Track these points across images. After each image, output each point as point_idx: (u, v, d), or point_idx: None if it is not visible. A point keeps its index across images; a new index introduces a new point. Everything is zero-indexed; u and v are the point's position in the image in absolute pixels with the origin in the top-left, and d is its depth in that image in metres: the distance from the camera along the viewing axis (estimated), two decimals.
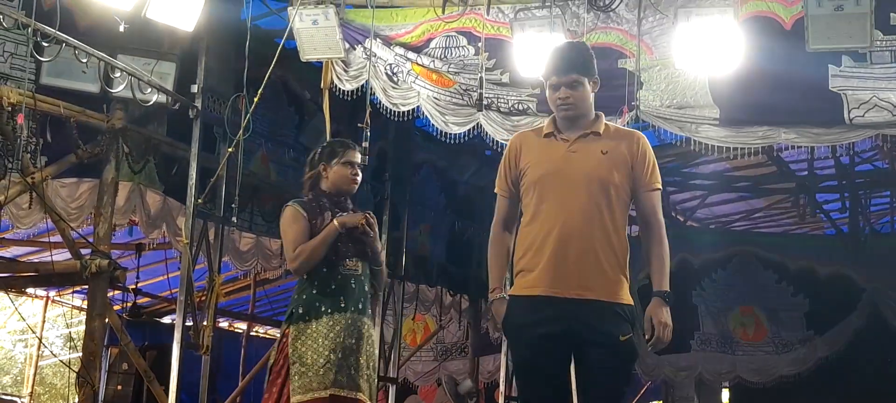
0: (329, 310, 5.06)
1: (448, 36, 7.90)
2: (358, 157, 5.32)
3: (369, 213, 5.22)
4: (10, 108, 7.26)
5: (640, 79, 7.20)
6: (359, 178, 5.29)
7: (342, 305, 5.08)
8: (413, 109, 8.14)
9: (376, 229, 5.25)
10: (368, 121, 7.42)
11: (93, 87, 7.85)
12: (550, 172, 4.38)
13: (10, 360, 20.21)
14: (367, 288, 5.20)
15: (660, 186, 4.43)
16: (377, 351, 5.35)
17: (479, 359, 13.68)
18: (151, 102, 7.99)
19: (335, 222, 5.07)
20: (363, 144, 6.67)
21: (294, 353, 5.02)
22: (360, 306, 5.13)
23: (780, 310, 13.65)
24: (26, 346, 19.12)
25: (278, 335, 5.24)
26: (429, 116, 8.07)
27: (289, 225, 5.15)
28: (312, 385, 4.97)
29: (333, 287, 5.09)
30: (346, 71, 8.19)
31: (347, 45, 8.00)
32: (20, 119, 7.18)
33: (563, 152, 4.38)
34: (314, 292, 5.08)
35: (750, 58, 6.84)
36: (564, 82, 4.38)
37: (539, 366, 4.35)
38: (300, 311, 5.09)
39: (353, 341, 5.09)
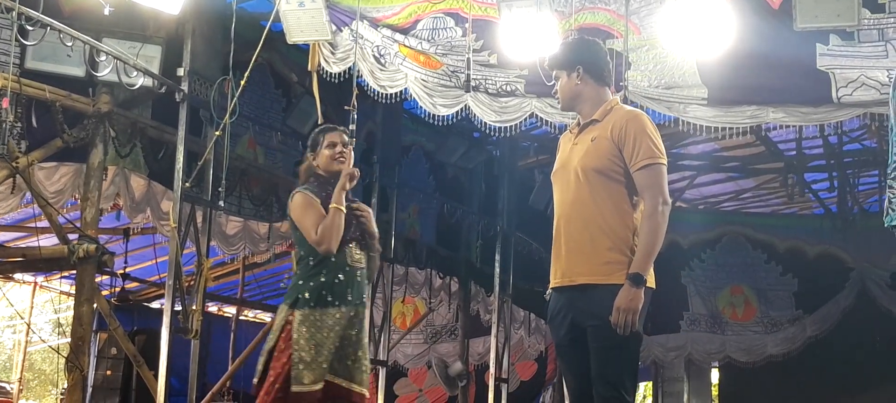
0: (337, 303, 5.07)
1: (435, 17, 7.87)
2: (341, 137, 5.31)
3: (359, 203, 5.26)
4: None
5: (628, 59, 7.18)
6: (345, 156, 5.26)
7: (349, 298, 5.11)
8: (401, 91, 8.12)
9: (370, 216, 5.23)
10: (355, 103, 7.39)
11: (78, 71, 7.79)
12: (557, 169, 4.66)
13: None
14: (367, 281, 5.26)
15: (648, 163, 4.42)
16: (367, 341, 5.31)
17: (469, 341, 13.68)
18: (137, 86, 7.94)
19: (332, 205, 5.10)
20: (350, 127, 6.64)
21: (298, 340, 4.99)
22: (363, 298, 5.19)
23: (769, 290, 13.71)
24: (14, 332, 19.08)
25: (277, 317, 5.17)
26: (417, 98, 8.05)
27: (304, 211, 5.13)
28: (313, 376, 4.97)
29: (342, 278, 5.10)
30: (332, 53, 8.15)
31: (334, 27, 7.97)
32: (5, 103, 7.13)
33: (570, 146, 4.62)
34: (323, 281, 5.06)
35: (738, 37, 6.82)
36: (553, 80, 4.69)
37: (563, 356, 4.62)
38: (306, 297, 5.05)
39: (354, 332, 5.12)
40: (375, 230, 5.22)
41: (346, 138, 5.33)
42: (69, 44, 7.24)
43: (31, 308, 15.03)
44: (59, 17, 7.32)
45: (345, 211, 5.08)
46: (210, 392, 9.89)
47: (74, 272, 8.42)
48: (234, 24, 7.81)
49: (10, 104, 7.34)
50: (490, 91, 7.74)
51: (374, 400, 11.54)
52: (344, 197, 5.10)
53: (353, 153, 5.33)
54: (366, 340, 5.23)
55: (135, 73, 7.87)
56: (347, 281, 5.11)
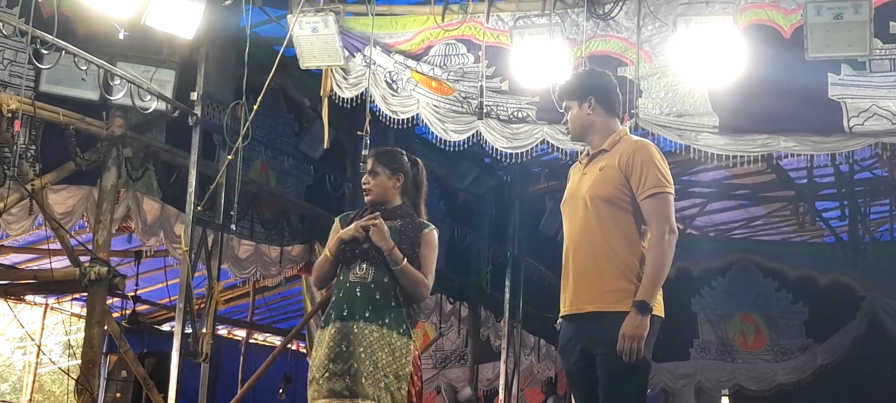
0: (334, 319, 5.02)
1: (448, 43, 7.91)
2: (367, 164, 5.30)
3: (373, 217, 5.15)
4: (9, 115, 7.26)
5: (640, 87, 7.20)
6: (369, 185, 5.24)
7: (344, 314, 5.02)
8: (412, 117, 8.14)
9: (382, 229, 5.11)
10: (368, 128, 7.42)
11: (92, 95, 7.83)
12: (566, 198, 4.73)
13: (9, 367, 20.21)
14: (378, 296, 5.00)
15: (655, 192, 4.45)
16: (403, 361, 5.08)
17: (478, 367, 13.67)
18: (151, 110, 7.98)
19: (327, 249, 5.14)
20: (363, 152, 6.66)
21: (310, 360, 5.06)
22: (367, 314, 4.97)
23: (780, 318, 13.67)
24: (25, 353, 19.09)
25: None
26: (428, 124, 8.07)
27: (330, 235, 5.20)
28: (313, 394, 4.96)
29: (341, 295, 5.04)
30: (345, 78, 8.19)
31: (347, 53, 8.01)
32: (17, 126, 7.17)
33: (579, 176, 4.69)
34: (332, 300, 5.09)
35: (749, 66, 6.84)
36: (563, 110, 4.77)
37: (573, 383, 4.69)
38: (322, 319, 5.12)
39: (345, 347, 4.94)
40: (385, 243, 5.02)
41: (370, 166, 5.29)
42: (84, 67, 7.29)
43: (42, 329, 15.05)
44: (74, 41, 7.36)
45: (330, 256, 5.07)
46: None
47: (86, 294, 8.45)
48: (247, 49, 7.84)
49: (24, 127, 7.39)
50: (501, 117, 7.76)
51: None
52: (336, 245, 5.07)
53: (381, 180, 5.20)
54: (376, 357, 4.95)
55: (148, 97, 7.92)
56: (344, 297, 5.02)
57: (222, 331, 16.03)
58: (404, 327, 5.03)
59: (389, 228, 5.07)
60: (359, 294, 5.01)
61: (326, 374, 4.95)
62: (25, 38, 6.85)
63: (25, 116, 7.39)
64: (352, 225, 5.10)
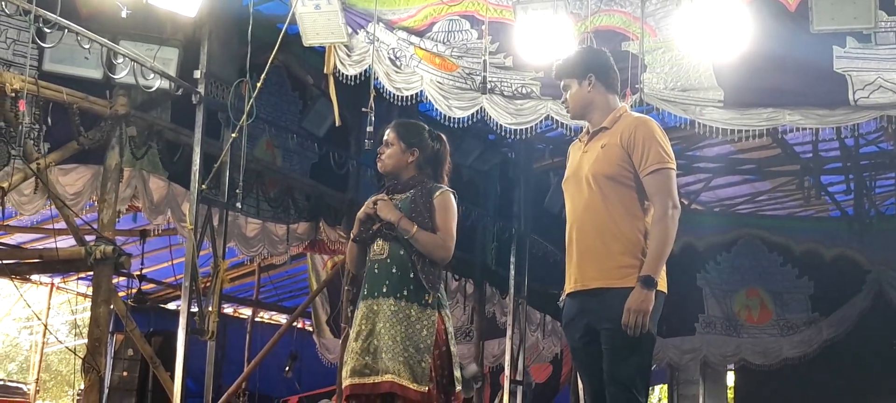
0: (360, 299, 5.12)
1: (451, 20, 7.88)
2: (385, 134, 5.30)
3: (376, 199, 5.18)
4: (12, 95, 7.25)
5: (644, 61, 7.17)
6: (382, 156, 5.24)
7: (366, 292, 5.09)
8: (416, 94, 8.13)
9: (386, 202, 5.14)
10: (372, 105, 7.40)
11: (96, 74, 7.82)
12: (567, 177, 4.76)
13: (15, 347, 20.29)
14: (395, 270, 5.02)
15: (657, 167, 4.49)
16: (424, 332, 5.05)
17: (484, 343, 13.68)
18: (154, 88, 7.97)
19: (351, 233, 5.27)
20: (367, 129, 6.65)
21: None
22: (384, 289, 5.00)
23: (785, 293, 13.64)
24: (31, 333, 19.17)
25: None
26: (432, 100, 8.06)
27: None
28: (345, 375, 5.04)
29: (365, 274, 5.14)
30: (348, 55, 8.18)
31: (350, 30, 7.99)
32: (21, 105, 7.17)
33: (580, 154, 4.71)
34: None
35: (754, 40, 6.81)
36: (562, 89, 4.79)
37: (578, 359, 4.73)
38: None
39: (366, 325, 5.00)
40: (391, 215, 5.03)
41: (387, 136, 5.26)
42: (87, 46, 7.28)
43: (48, 309, 15.10)
44: (77, 20, 7.35)
45: (353, 239, 5.20)
46: (226, 394, 9.94)
47: (91, 273, 8.46)
48: (250, 27, 7.83)
49: (29, 106, 7.39)
50: (505, 93, 7.75)
51: None
52: (356, 226, 5.18)
53: (394, 151, 5.22)
54: (394, 330, 4.95)
55: (152, 76, 7.90)
56: (367, 276, 5.12)
57: (228, 310, 16.06)
58: (425, 298, 5.02)
59: (402, 200, 5.11)
60: (377, 271, 5.07)
61: (353, 354, 5.00)
62: (28, 18, 6.84)
63: (29, 96, 7.38)
64: (362, 213, 5.17)
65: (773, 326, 13.61)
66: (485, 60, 7.61)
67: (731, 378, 16.51)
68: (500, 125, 7.86)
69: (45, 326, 15.11)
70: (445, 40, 7.86)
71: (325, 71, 8.36)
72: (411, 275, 5.02)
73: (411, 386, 4.88)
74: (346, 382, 5.00)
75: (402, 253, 5.03)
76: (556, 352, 15.29)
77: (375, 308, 5.01)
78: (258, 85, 7.74)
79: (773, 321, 13.63)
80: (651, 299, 4.31)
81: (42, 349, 15.87)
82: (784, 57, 6.94)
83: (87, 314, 10.86)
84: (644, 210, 4.52)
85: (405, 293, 5.01)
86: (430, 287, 5.04)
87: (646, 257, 4.40)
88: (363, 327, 5.01)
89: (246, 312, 16.27)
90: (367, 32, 7.98)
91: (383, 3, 7.95)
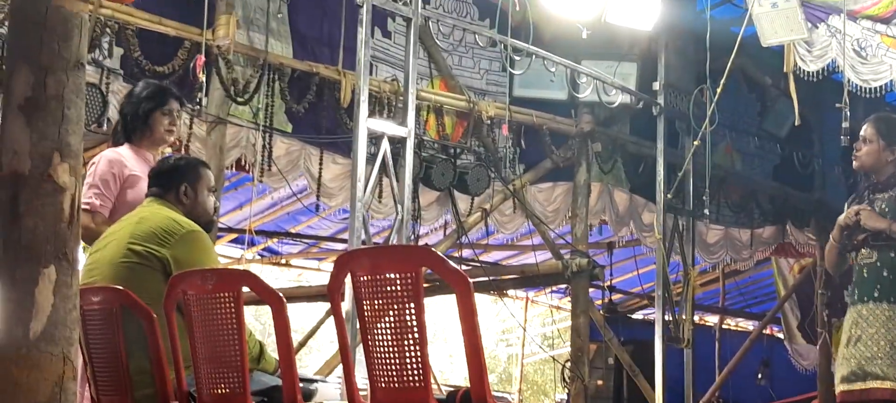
0: (849, 305, 5.07)
1: None
2: (862, 130, 5.14)
3: (859, 209, 5.01)
4: (488, 121, 7.81)
5: None
6: (859, 153, 5.09)
7: (855, 298, 5.01)
8: (885, 84, 7.74)
9: (870, 213, 4.96)
10: (847, 100, 7.12)
11: (561, 95, 8.23)
12: None
13: (495, 359, 21.49)
14: (886, 273, 4.89)
15: None
16: None
17: None
18: (616, 104, 8.24)
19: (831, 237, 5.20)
20: (843, 125, 6.42)
21: None
22: (876, 294, 4.89)
23: None
24: (508, 345, 20.26)
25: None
26: None
27: None
28: (837, 381, 5.03)
29: (854, 279, 5.06)
30: (809, 51, 7.94)
31: (810, 25, 7.77)
32: (504, 130, 7.69)
33: None
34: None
35: None
36: None
37: None
38: None
39: (859, 332, 4.88)
40: (879, 224, 4.85)
41: (865, 133, 5.12)
42: (552, 69, 7.68)
43: (525, 322, 15.88)
44: (541, 45, 7.76)
45: (835, 244, 5.13)
46: (701, 401, 9.95)
47: (564, 286, 8.87)
48: (708, 33, 7.85)
49: (509, 131, 7.92)
50: None
51: None
52: (838, 232, 5.10)
53: (872, 148, 5.05)
54: (892, 335, 4.82)
55: (613, 92, 8.17)
56: (856, 281, 5.05)
57: (694, 317, 16.03)
58: None
59: (884, 199, 4.90)
60: (866, 275, 4.93)
61: (845, 360, 4.88)
62: (499, 47, 7.33)
63: (505, 120, 7.91)
64: (843, 213, 5.02)
65: None
66: None
67: None
68: None
69: (524, 337, 15.93)
70: None
71: (784, 69, 8.18)
72: None
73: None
74: (839, 388, 4.88)
75: (893, 255, 4.86)
76: None
77: (865, 313, 4.88)
78: (718, 90, 7.74)
79: None
80: None
81: (522, 360, 16.71)
82: None
83: (556, 326, 11.33)
84: None
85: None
86: None
87: None
88: (853, 333, 4.88)
89: (711, 319, 16.15)
90: (828, 26, 7.72)
91: None
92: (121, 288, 3.63)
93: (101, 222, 4.35)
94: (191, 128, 6.61)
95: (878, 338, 4.80)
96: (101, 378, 3.78)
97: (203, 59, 6.32)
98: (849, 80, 7.76)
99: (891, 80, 7.69)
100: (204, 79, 6.34)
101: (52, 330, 2.55)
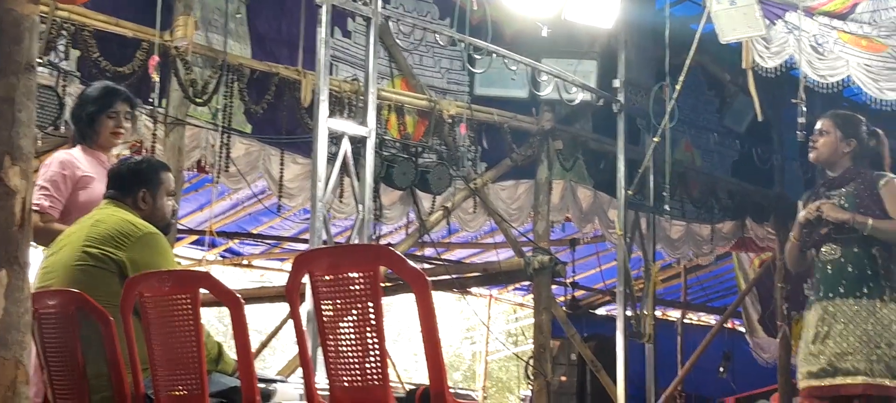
0: (813, 301, 5.07)
1: None
2: (818, 123, 5.15)
3: (819, 204, 5.03)
4: (450, 120, 7.81)
5: None
6: (816, 144, 5.09)
7: (820, 294, 5.00)
8: (841, 80, 7.81)
9: (831, 206, 4.97)
10: (802, 96, 7.19)
11: (521, 93, 8.25)
12: None
13: (458, 357, 21.49)
14: (850, 269, 4.91)
15: None
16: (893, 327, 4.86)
17: None
18: (576, 101, 8.27)
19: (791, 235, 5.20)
20: (799, 120, 6.49)
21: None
22: (841, 290, 4.91)
23: None
24: (472, 343, 20.27)
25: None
26: (860, 84, 7.70)
27: None
28: (800, 377, 5.03)
29: (817, 276, 5.05)
30: (767, 48, 8.00)
31: (767, 22, 7.83)
32: (462, 129, 7.70)
33: None
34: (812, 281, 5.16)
35: None
36: None
37: None
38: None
39: (827, 328, 4.89)
40: (841, 216, 4.86)
41: (822, 125, 5.11)
42: (513, 68, 7.70)
43: (489, 319, 15.90)
44: (502, 44, 7.79)
45: (795, 241, 5.11)
46: (663, 396, 10.01)
47: (527, 283, 8.89)
48: (667, 31, 7.89)
49: (468, 129, 7.94)
50: None
51: None
52: (797, 230, 5.08)
53: (829, 140, 5.04)
54: (860, 330, 4.83)
55: (574, 90, 8.20)
56: (820, 278, 5.05)
57: (656, 312, 16.10)
58: (888, 293, 4.84)
59: (844, 194, 4.93)
60: (830, 271, 4.94)
61: (811, 356, 4.90)
62: (459, 46, 7.34)
63: (465, 119, 7.92)
64: (803, 211, 5.04)
65: None
66: None
67: None
68: None
69: (487, 336, 15.95)
70: (871, 20, 7.49)
71: (743, 66, 8.24)
72: (869, 272, 4.86)
73: (890, 384, 4.73)
74: (803, 383, 4.90)
75: (856, 250, 4.87)
76: None
77: (831, 309, 4.89)
78: (677, 87, 7.79)
79: None
80: None
81: (486, 357, 16.73)
82: None
83: (520, 323, 11.36)
84: None
85: (865, 290, 4.86)
86: (891, 279, 4.84)
87: None
88: (820, 329, 4.89)
89: (673, 314, 16.25)
90: (785, 22, 7.78)
91: None
92: (77, 291, 3.60)
93: (50, 222, 4.31)
94: (155, 130, 6.56)
95: (848, 334, 4.82)
96: (58, 383, 3.75)
97: (157, 59, 6.27)
98: (806, 76, 7.83)
99: (848, 76, 7.76)
100: (158, 79, 6.29)
101: (4, 335, 2.51)
